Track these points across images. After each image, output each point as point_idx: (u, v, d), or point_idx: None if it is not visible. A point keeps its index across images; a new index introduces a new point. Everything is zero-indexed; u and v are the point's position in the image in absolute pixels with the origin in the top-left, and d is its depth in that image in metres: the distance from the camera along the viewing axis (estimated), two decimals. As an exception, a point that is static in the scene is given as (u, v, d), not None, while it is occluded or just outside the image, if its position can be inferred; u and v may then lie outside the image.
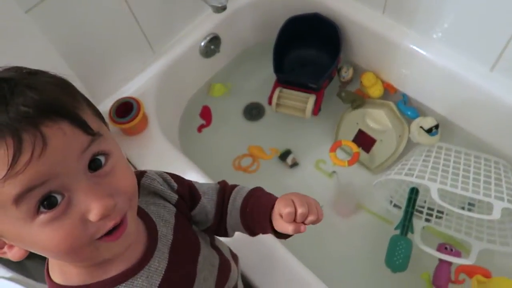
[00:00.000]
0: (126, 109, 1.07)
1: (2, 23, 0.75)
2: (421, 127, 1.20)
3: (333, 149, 1.23)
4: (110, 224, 0.40)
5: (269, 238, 0.93)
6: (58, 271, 0.48)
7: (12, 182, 0.34)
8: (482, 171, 1.07)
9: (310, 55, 1.43)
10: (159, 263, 0.52)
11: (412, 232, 1.08)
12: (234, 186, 0.65)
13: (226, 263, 0.67)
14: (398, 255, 1.05)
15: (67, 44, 0.98)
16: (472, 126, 1.21)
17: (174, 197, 0.58)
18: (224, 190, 0.64)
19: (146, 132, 1.12)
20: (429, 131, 1.19)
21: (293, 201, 0.52)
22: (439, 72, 1.16)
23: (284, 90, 1.34)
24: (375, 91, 1.30)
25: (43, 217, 0.36)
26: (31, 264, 1.05)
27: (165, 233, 0.54)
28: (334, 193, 1.26)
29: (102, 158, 0.40)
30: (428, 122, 1.20)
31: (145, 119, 1.11)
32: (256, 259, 0.91)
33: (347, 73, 1.36)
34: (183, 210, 0.59)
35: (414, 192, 1.14)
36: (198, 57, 1.35)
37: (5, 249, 0.41)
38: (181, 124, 1.36)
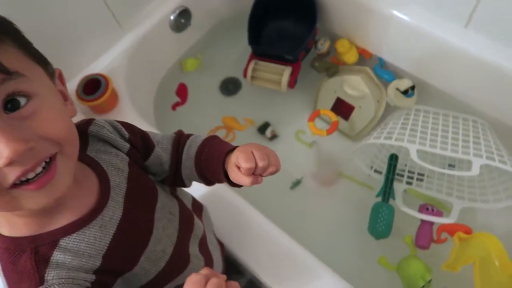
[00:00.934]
0: (94, 86, 1.03)
1: None
2: (397, 89, 1.19)
3: (311, 119, 1.21)
4: (17, 172, 0.37)
5: (245, 204, 0.92)
6: (4, 222, 0.46)
7: None
8: (460, 130, 1.06)
9: (287, 26, 1.40)
10: (113, 212, 0.50)
11: (394, 199, 1.08)
12: (190, 135, 0.63)
13: (187, 213, 0.66)
14: (380, 222, 1.04)
15: (30, 22, 0.92)
16: (449, 86, 1.20)
17: (126, 145, 0.56)
18: (179, 139, 0.62)
19: (118, 109, 1.08)
20: (405, 92, 1.18)
21: (253, 154, 0.50)
22: (414, 33, 1.15)
23: (260, 62, 1.31)
24: (350, 57, 1.28)
25: None
26: None
27: (118, 182, 0.52)
28: (315, 163, 1.25)
29: (22, 100, 0.37)
30: (404, 84, 1.19)
31: (115, 96, 1.07)
32: (231, 225, 0.90)
33: (323, 45, 1.33)
34: (136, 159, 0.57)
35: (393, 159, 1.13)
36: (169, 31, 1.31)
37: None
38: (156, 101, 1.32)
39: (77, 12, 1.05)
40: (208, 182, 0.61)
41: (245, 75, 1.32)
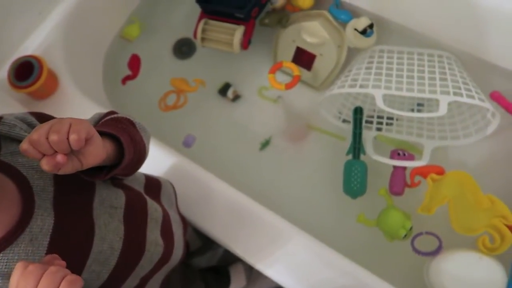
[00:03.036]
0: (27, 70, 0.93)
1: None
2: (355, 29, 1.12)
3: (272, 71, 1.13)
4: None
5: (208, 175, 0.88)
6: None
7: None
8: (426, 68, 1.01)
9: None
10: (43, 222, 0.45)
11: (364, 154, 1.04)
12: (111, 115, 0.57)
13: (136, 200, 0.61)
14: (354, 181, 1.00)
15: None
16: (410, 20, 1.14)
17: None
18: (99, 122, 0.56)
19: (59, 93, 0.99)
20: (363, 32, 1.12)
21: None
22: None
23: (210, 21, 1.20)
24: (305, 1, 1.19)
25: None
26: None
27: (43, 186, 0.47)
28: (283, 119, 1.20)
29: None
30: (362, 23, 1.12)
31: (52, 78, 0.97)
32: (195, 199, 0.87)
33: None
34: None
35: (358, 112, 1.08)
36: (105, -4, 1.18)
37: None
38: (104, 75, 1.22)
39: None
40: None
41: (195, 37, 1.22)
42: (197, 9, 1.24)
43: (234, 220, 0.85)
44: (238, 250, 0.82)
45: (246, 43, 1.20)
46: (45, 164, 0.39)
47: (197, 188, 0.88)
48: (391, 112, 0.95)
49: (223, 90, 1.24)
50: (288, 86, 1.13)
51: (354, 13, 1.20)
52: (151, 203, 0.65)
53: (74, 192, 0.50)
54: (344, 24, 1.18)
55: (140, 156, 0.56)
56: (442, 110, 0.90)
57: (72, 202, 0.50)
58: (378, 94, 0.94)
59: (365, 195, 1.01)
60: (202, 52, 1.30)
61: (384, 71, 1.01)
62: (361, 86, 0.98)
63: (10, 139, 0.47)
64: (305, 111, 1.21)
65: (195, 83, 1.26)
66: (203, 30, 1.20)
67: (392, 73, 1.00)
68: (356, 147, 1.03)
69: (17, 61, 0.93)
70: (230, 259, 1.21)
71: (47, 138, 0.38)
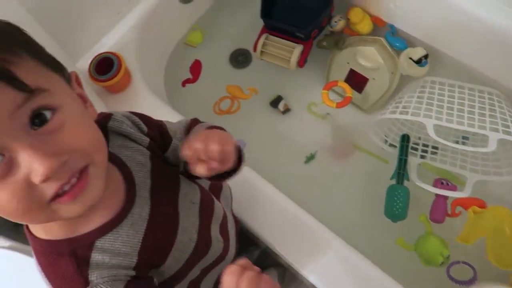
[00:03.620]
0: (106, 65, 1.01)
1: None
2: (410, 58, 1.17)
3: (327, 87, 1.19)
4: (54, 187, 0.37)
5: (260, 179, 0.93)
6: (39, 225, 0.46)
7: None
8: (476, 103, 1.05)
9: None
10: (141, 209, 0.51)
11: (408, 180, 1.08)
12: (199, 123, 0.62)
13: (207, 197, 0.67)
14: (396, 205, 1.04)
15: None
16: (463, 54, 1.18)
17: (145, 140, 0.55)
18: (189, 129, 0.61)
19: (131, 88, 1.06)
20: (418, 61, 1.16)
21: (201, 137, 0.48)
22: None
23: (271, 37, 1.27)
24: (364, 26, 1.25)
25: None
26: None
27: (143, 178, 0.53)
28: (329, 135, 1.25)
29: (47, 113, 0.37)
30: (417, 52, 1.17)
31: (127, 74, 1.05)
32: (246, 199, 0.92)
33: (337, 23, 1.28)
34: (156, 152, 0.57)
35: (405, 139, 1.12)
36: (177, 3, 1.27)
37: None
38: (166, 77, 1.30)
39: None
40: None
41: (255, 49, 1.29)
42: (256, 23, 1.30)
43: (279, 222, 0.90)
44: (281, 250, 0.87)
45: (302, 62, 1.26)
46: (203, 169, 0.47)
47: (250, 190, 0.93)
48: (437, 142, 0.99)
49: (275, 102, 1.30)
50: (339, 105, 1.19)
51: (409, 42, 1.25)
52: (216, 202, 0.71)
53: (166, 185, 0.56)
54: (398, 51, 1.23)
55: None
56: (491, 146, 0.93)
57: (164, 194, 0.55)
58: (429, 124, 0.98)
59: (405, 219, 1.04)
60: (257, 64, 1.36)
61: (435, 102, 1.05)
62: (411, 114, 1.02)
63: (117, 133, 0.53)
64: (351, 130, 1.25)
65: (249, 92, 1.33)
66: (263, 44, 1.26)
67: (443, 105, 1.04)
68: (401, 173, 1.07)
69: (98, 56, 1.02)
70: (264, 263, 1.26)
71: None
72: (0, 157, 0.34)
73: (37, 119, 0.36)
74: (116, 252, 0.47)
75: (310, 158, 1.22)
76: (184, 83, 1.34)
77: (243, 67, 1.38)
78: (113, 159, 0.51)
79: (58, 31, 0.98)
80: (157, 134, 0.57)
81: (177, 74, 1.34)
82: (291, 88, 1.32)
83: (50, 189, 0.37)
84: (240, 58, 1.39)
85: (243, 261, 0.45)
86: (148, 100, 1.05)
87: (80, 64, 1.07)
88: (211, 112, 1.30)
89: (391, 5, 1.22)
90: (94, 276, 0.45)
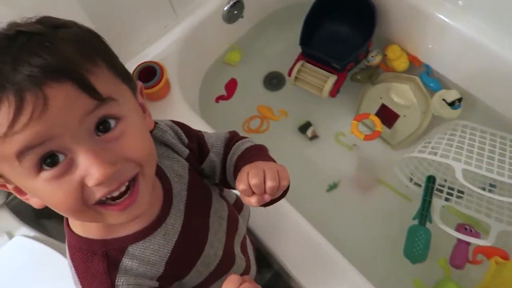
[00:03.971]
0: (149, 73, 1.05)
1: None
2: (443, 99, 1.18)
3: (358, 118, 1.20)
4: (103, 191, 0.39)
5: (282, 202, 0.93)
6: (78, 222, 0.48)
7: (9, 140, 0.34)
8: (507, 152, 1.05)
9: (343, 30, 1.36)
10: (175, 221, 0.52)
11: (430, 222, 1.07)
12: (239, 139, 0.62)
13: (233, 214, 0.67)
14: (417, 246, 1.03)
15: (87, 2, 0.94)
16: (498, 103, 1.19)
17: (186, 151, 0.56)
18: (229, 144, 0.61)
19: (168, 98, 1.10)
20: (451, 104, 1.17)
21: (247, 174, 0.48)
22: (467, 44, 1.13)
23: (306, 64, 1.30)
24: (401, 64, 1.26)
25: (45, 174, 0.37)
26: (51, 224, 1.08)
27: (180, 190, 0.54)
28: (354, 167, 1.25)
29: (112, 122, 0.39)
30: (452, 95, 1.18)
31: (167, 84, 1.09)
32: (265, 218, 0.92)
33: (374, 58, 1.30)
34: (194, 164, 0.58)
35: (431, 181, 1.12)
36: (221, 22, 1.31)
37: (28, 196, 0.42)
38: (201, 91, 1.34)
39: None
40: None
41: (289, 74, 1.32)
42: (293, 49, 1.33)
43: (295, 244, 0.90)
44: (295, 272, 0.87)
45: (335, 92, 1.28)
46: (255, 201, 0.47)
47: (270, 209, 0.94)
48: (463, 186, 0.98)
49: (304, 128, 1.31)
50: (367, 138, 1.20)
51: (443, 83, 1.26)
52: (239, 220, 0.71)
53: (200, 199, 0.57)
54: (432, 92, 1.24)
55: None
56: (521, 197, 0.92)
57: (197, 208, 0.56)
58: (458, 167, 0.98)
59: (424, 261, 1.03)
60: (289, 88, 1.39)
61: (465, 146, 1.04)
62: (440, 156, 1.02)
63: (160, 142, 0.54)
64: (376, 164, 1.26)
65: (279, 113, 1.35)
66: (298, 71, 1.29)
67: (473, 150, 1.04)
68: (424, 214, 1.06)
69: (143, 64, 1.06)
70: (274, 287, 1.25)
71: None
72: (63, 157, 0.37)
73: (102, 126, 0.38)
74: (146, 260, 0.49)
75: (333, 186, 1.22)
76: (218, 99, 1.37)
77: (276, 90, 1.41)
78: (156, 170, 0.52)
79: (109, 34, 1.03)
80: (196, 145, 0.58)
81: (212, 90, 1.38)
82: (321, 116, 1.34)
83: (98, 192, 0.39)
84: (274, 81, 1.42)
85: (246, 276, 0.47)
86: (183, 111, 1.09)
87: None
88: (240, 129, 1.32)
89: (430, 46, 1.23)
90: (120, 281, 0.47)
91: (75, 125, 0.36)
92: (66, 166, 0.37)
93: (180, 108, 1.09)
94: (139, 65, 1.06)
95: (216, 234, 0.60)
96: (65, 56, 0.36)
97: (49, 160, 0.36)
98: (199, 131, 0.62)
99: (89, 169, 0.37)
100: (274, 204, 0.93)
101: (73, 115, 0.36)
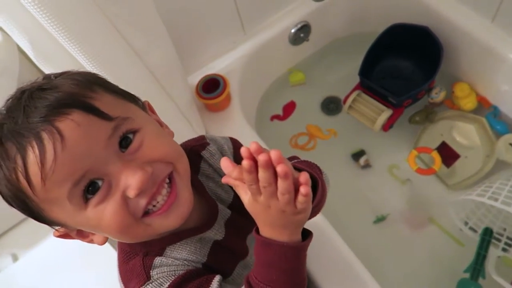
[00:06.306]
0: (212, 85, 1.10)
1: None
2: (510, 144, 1.12)
3: (420, 150, 1.17)
4: (146, 198, 0.41)
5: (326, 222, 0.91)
6: None
7: (53, 184, 0.38)
8: None
9: (405, 66, 1.34)
10: (214, 235, 0.53)
11: (484, 277, 1.00)
12: (293, 158, 0.61)
13: None
14: None
15: (165, 11, 0.98)
16: None
17: None
18: None
19: (228, 111, 1.14)
20: (519, 149, 1.11)
21: None
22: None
23: (363, 95, 1.29)
24: (468, 103, 1.22)
25: (92, 202, 0.40)
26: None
27: (223, 208, 0.56)
28: (405, 202, 1.21)
29: (130, 136, 0.42)
30: (520, 139, 1.11)
31: (228, 97, 1.13)
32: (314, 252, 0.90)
33: (438, 94, 1.25)
34: None
35: (488, 234, 1.05)
36: (286, 43, 1.34)
37: (91, 237, 0.46)
38: (259, 108, 1.37)
39: (209, 10, 1.11)
40: None
41: (344, 102, 1.31)
42: (354, 77, 1.32)
43: (339, 274, 0.89)
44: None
45: (387, 126, 1.25)
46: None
47: (315, 234, 0.93)
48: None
49: (357, 155, 1.30)
50: (420, 171, 1.16)
51: (510, 127, 1.19)
52: None
53: (240, 220, 0.58)
54: (497, 134, 1.18)
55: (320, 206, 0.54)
56: None
57: (236, 227, 0.57)
58: (521, 217, 0.92)
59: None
60: (346, 114, 1.38)
61: (530, 196, 0.98)
62: (501, 202, 0.96)
63: (208, 163, 0.57)
64: (430, 202, 1.21)
65: (328, 133, 1.35)
66: (353, 100, 1.28)
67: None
68: (477, 269, 1.00)
69: (208, 76, 1.11)
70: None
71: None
72: (101, 182, 0.40)
73: (124, 142, 0.42)
74: (182, 258, 0.51)
75: (381, 219, 1.19)
76: (273, 118, 1.39)
77: (332, 115, 1.40)
78: (198, 186, 0.54)
79: (182, 46, 1.09)
80: None
81: (269, 108, 1.40)
82: (376, 146, 1.31)
83: (142, 200, 0.42)
84: (331, 106, 1.42)
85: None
86: (239, 125, 1.12)
87: (190, 79, 1.17)
88: (287, 144, 1.34)
89: (502, 88, 1.18)
90: (155, 272, 0.49)
91: (102, 151, 0.40)
92: (107, 188, 0.41)
93: (237, 121, 1.12)
94: (204, 76, 1.11)
95: (251, 257, 0.60)
96: (65, 91, 0.40)
97: (91, 188, 0.40)
98: None
99: (126, 181, 0.40)
100: (318, 227, 0.93)
101: (96, 140, 0.40)
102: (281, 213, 0.41)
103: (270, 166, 0.37)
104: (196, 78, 1.14)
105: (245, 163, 0.38)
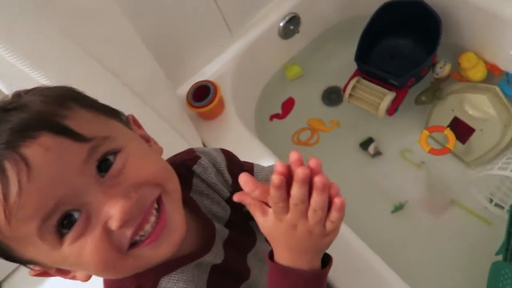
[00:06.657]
0: (203, 92, 1.06)
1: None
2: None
3: (431, 130, 1.10)
4: (131, 229, 0.36)
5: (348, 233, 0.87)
6: None
7: (20, 221, 0.32)
8: None
9: (404, 45, 1.25)
10: (213, 259, 0.49)
11: None
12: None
13: None
14: (502, 287, 0.88)
15: (146, 25, 0.95)
16: None
17: (226, 194, 0.53)
18: None
19: (223, 117, 1.10)
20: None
21: None
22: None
23: (362, 81, 1.22)
24: (477, 73, 1.13)
25: (67, 237, 0.35)
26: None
27: (220, 228, 0.51)
28: (423, 187, 1.14)
29: (111, 157, 0.37)
30: (540, 107, 1.03)
31: (221, 103, 1.09)
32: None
33: (442, 69, 1.17)
34: (237, 204, 0.53)
35: None
36: (277, 38, 1.29)
37: (73, 273, 0.41)
38: (257, 109, 1.32)
39: (192, 16, 1.07)
40: None
41: (343, 91, 1.25)
42: (352, 64, 1.25)
43: (359, 275, 0.83)
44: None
45: (392, 110, 1.18)
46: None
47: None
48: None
49: (365, 144, 1.23)
50: (433, 152, 1.09)
51: (527, 93, 1.11)
52: None
53: (240, 239, 0.54)
54: (512, 101, 1.10)
55: None
56: None
57: (236, 247, 0.53)
58: (549, 188, 0.84)
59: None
60: (348, 103, 1.32)
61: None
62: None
63: (201, 179, 0.52)
64: (449, 183, 1.13)
65: (331, 124, 1.29)
66: (353, 87, 1.22)
67: None
68: (510, 249, 0.92)
69: (197, 84, 1.07)
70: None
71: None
72: (78, 214, 0.35)
73: (103, 165, 0.36)
74: None
75: (399, 207, 1.12)
76: (272, 117, 1.34)
77: (334, 105, 1.35)
78: (192, 205, 0.49)
79: (166, 57, 1.05)
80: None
81: (268, 108, 1.35)
82: (385, 132, 1.25)
83: (128, 231, 0.36)
84: (333, 96, 1.36)
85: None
86: (236, 130, 1.07)
87: (181, 90, 1.13)
88: (289, 141, 1.29)
89: (511, 52, 1.10)
90: None
91: (77, 178, 0.34)
92: (86, 221, 0.35)
93: (234, 126, 1.08)
94: (193, 85, 1.07)
95: (258, 277, 0.56)
96: (32, 110, 0.34)
97: (66, 221, 0.35)
98: (251, 165, 0.58)
99: (107, 212, 0.35)
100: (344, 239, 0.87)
101: (70, 168, 0.34)
102: (308, 235, 0.37)
103: (308, 181, 0.33)
104: (187, 88, 1.10)
105: (276, 178, 0.34)
